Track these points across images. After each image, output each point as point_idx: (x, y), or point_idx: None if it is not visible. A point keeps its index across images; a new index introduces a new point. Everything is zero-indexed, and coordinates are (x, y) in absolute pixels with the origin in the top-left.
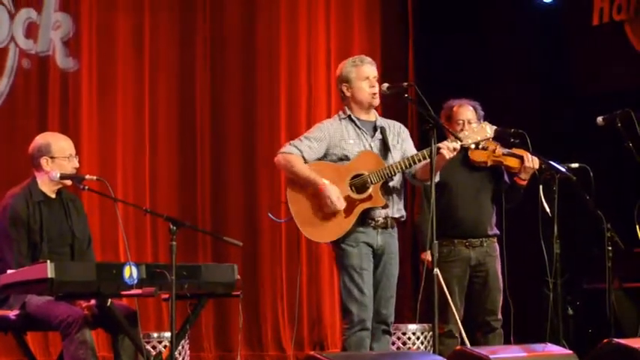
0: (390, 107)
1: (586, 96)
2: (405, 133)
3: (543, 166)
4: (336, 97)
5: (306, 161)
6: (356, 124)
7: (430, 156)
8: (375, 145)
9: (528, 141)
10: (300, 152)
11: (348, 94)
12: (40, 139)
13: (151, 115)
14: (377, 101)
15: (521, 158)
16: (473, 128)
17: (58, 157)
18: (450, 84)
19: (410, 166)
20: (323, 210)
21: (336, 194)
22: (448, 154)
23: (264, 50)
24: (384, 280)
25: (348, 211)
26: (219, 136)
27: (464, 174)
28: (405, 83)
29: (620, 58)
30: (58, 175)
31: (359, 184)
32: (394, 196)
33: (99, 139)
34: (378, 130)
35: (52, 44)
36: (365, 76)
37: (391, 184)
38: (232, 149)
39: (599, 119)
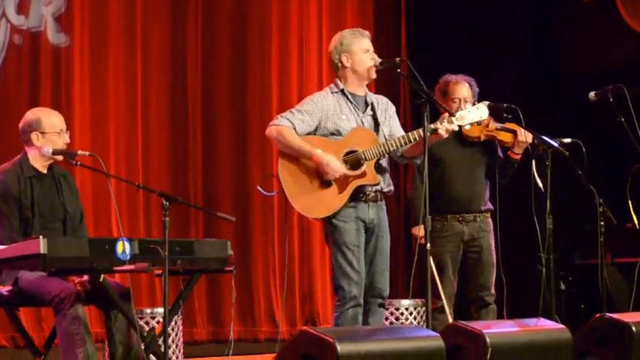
0: (382, 82)
1: (578, 72)
2: (391, 109)
3: (536, 141)
4: (327, 73)
5: (297, 134)
6: (348, 99)
7: (423, 132)
8: (367, 120)
9: (521, 116)
10: (292, 125)
11: (347, 64)
12: (31, 115)
13: (143, 91)
14: (375, 75)
15: (514, 133)
16: (469, 109)
17: (49, 132)
18: (442, 59)
19: (406, 144)
20: (317, 184)
21: (334, 160)
22: (445, 135)
23: (255, 26)
24: (377, 254)
25: (342, 187)
26: (210, 112)
27: (457, 149)
28: (398, 58)
29: (612, 34)
30: (51, 151)
31: (353, 161)
32: (384, 170)
33: (91, 115)
34: (369, 106)
35: (43, 20)
36: (366, 48)
37: (382, 160)
38: (224, 125)
39: (592, 94)
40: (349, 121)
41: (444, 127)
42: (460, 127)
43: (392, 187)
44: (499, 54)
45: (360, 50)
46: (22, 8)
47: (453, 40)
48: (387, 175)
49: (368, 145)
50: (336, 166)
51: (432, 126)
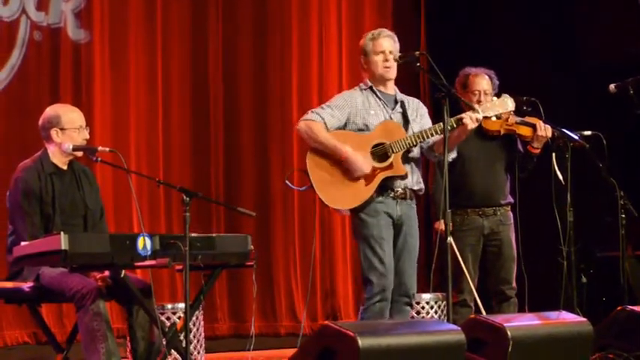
0: (402, 77)
1: (599, 64)
2: (423, 109)
3: (556, 134)
4: (346, 67)
5: (328, 129)
6: (377, 96)
7: (444, 126)
8: (396, 117)
9: (541, 109)
10: (322, 120)
11: (365, 67)
12: (50, 111)
13: (164, 87)
14: (390, 74)
15: (533, 126)
16: (494, 101)
17: (68, 128)
18: (462, 52)
19: (431, 135)
20: (345, 177)
21: (360, 159)
22: (471, 125)
23: (275, 23)
24: (405, 253)
25: (369, 179)
26: (232, 108)
27: (477, 143)
28: (417, 52)
29: (628, 23)
30: (71, 147)
31: (380, 153)
32: (414, 167)
33: (112, 111)
34: (399, 104)
35: (63, 16)
36: (380, 50)
37: (411, 155)
38: (245, 121)
39: (612, 87)
40: (378, 116)
41: (468, 117)
42: (483, 119)
43: (422, 186)
44: (518, 47)
45: (373, 52)
46: (42, 5)
47: (472, 34)
48: (418, 173)
49: (395, 137)
50: (363, 166)
51: (458, 116)
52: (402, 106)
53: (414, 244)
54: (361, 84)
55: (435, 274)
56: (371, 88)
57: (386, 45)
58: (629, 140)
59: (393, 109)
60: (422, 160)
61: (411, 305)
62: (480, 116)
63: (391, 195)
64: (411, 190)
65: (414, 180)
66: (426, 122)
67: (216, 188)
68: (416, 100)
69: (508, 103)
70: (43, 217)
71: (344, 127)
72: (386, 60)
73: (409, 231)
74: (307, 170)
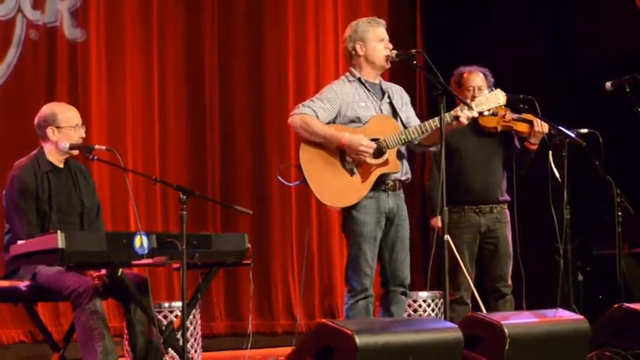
0: (398, 73)
1: (592, 59)
2: (406, 97)
3: (553, 131)
4: (343, 62)
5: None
6: (366, 87)
7: (440, 124)
8: (385, 108)
9: (537, 106)
10: (314, 113)
11: (361, 53)
12: (46, 110)
13: (160, 85)
14: (388, 64)
15: (530, 123)
16: (486, 95)
17: (65, 126)
18: (458, 50)
19: (426, 131)
20: (340, 172)
21: (364, 139)
22: (466, 122)
23: (271, 16)
24: (397, 242)
25: (365, 175)
26: (227, 105)
27: (474, 140)
28: (414, 50)
29: (626, 19)
30: (68, 146)
31: (375, 149)
32: (403, 159)
33: (108, 110)
34: (386, 94)
35: (59, 15)
36: (381, 37)
37: (401, 147)
38: (241, 118)
39: (608, 84)
40: (368, 108)
41: (464, 115)
42: (479, 114)
43: (410, 175)
44: (513, 44)
45: (374, 39)
46: (38, 3)
47: (469, 30)
48: (406, 163)
49: (389, 132)
50: (364, 140)
51: (453, 113)
52: (389, 96)
53: (405, 234)
54: (347, 74)
55: (432, 271)
56: (359, 79)
57: (385, 34)
58: (626, 138)
59: (381, 99)
60: (418, 154)
61: (407, 294)
62: (476, 114)
63: (382, 189)
64: (400, 180)
65: (403, 171)
66: (410, 110)
67: (213, 186)
68: (398, 87)
69: (499, 97)
70: (39, 215)
71: (334, 119)
72: (387, 48)
73: (400, 221)
74: (300, 165)
